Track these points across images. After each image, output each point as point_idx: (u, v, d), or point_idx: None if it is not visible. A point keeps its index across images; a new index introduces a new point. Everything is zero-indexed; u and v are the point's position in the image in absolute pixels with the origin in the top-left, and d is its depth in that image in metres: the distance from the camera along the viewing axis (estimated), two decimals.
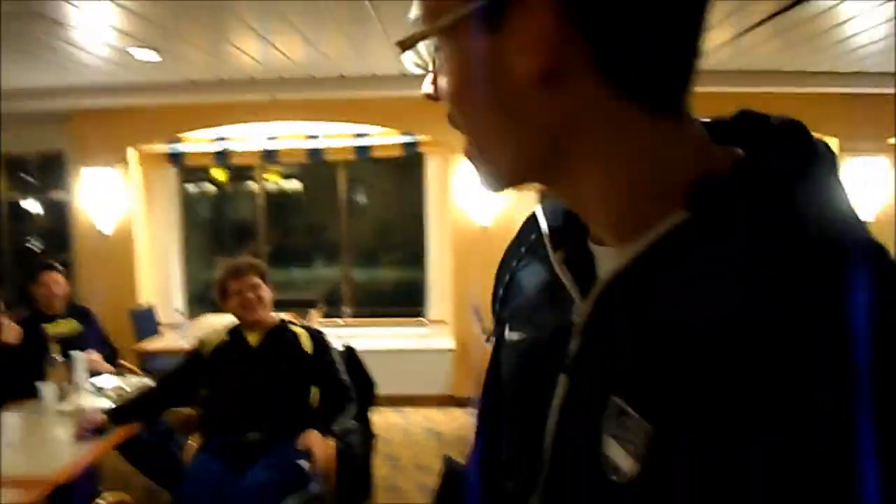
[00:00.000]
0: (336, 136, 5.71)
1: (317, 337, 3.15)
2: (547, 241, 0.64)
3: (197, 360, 3.09)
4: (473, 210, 5.57)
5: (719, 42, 4.18)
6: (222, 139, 5.68)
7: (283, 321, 3.17)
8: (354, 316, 6.09)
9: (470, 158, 0.58)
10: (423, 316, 6.06)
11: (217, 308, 5.64)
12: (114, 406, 2.94)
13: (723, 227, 0.45)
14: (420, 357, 5.72)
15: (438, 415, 5.50)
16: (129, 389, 3.28)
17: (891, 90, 4.88)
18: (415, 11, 0.55)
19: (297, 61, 4.55)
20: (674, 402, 0.44)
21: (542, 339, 0.61)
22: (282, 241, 6.52)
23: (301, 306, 5.40)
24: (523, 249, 0.71)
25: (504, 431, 0.69)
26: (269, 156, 5.71)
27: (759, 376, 0.40)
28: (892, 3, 3.48)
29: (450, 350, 5.73)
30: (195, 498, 2.69)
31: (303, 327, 3.20)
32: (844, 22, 3.82)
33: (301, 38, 3.99)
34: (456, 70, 0.53)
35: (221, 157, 5.69)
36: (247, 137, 5.70)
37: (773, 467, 0.39)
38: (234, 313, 3.07)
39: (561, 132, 0.51)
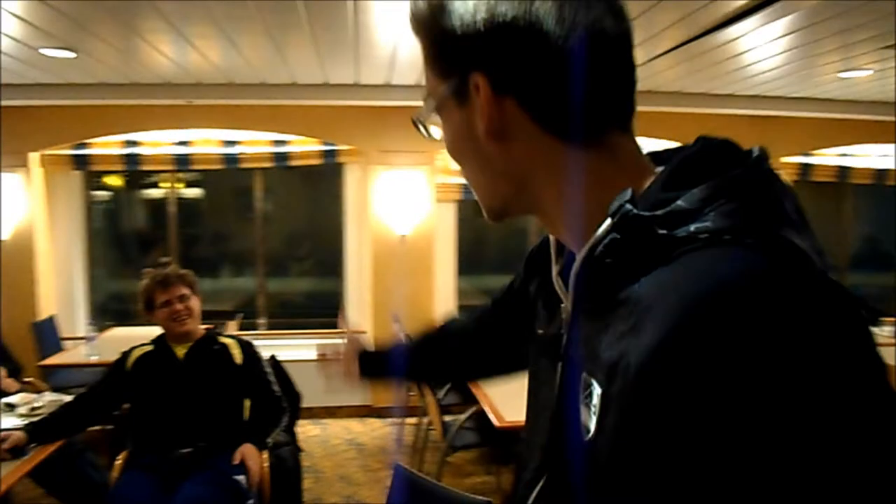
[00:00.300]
0: (253, 143, 5.60)
1: (247, 348, 3.10)
2: (553, 257, 0.77)
3: (119, 373, 2.96)
4: (392, 220, 5.60)
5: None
6: (132, 143, 5.45)
7: (210, 332, 3.09)
8: (270, 328, 5.97)
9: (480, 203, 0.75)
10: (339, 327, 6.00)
11: (126, 320, 5.44)
12: (32, 423, 2.78)
13: (627, 237, 0.58)
14: (339, 367, 5.67)
15: (358, 426, 5.47)
16: (41, 406, 3.10)
17: (787, 112, 5.31)
18: (423, 97, 0.73)
19: (217, 65, 4.45)
20: (613, 369, 0.55)
21: (551, 338, 0.74)
22: (186, 251, 6.31)
23: (213, 318, 5.25)
24: (543, 263, 0.82)
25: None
26: (183, 161, 5.53)
27: (657, 334, 0.51)
28: (787, 37, 3.79)
29: None
30: None
31: (232, 338, 3.14)
32: (744, 52, 4.13)
33: (226, 41, 3.90)
34: (447, 134, 0.72)
35: (131, 161, 5.46)
36: (159, 142, 5.50)
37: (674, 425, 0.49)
38: (162, 325, 2.97)
39: (522, 174, 0.67)
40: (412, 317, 5.30)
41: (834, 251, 6.42)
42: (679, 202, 0.57)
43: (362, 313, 5.88)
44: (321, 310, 6.40)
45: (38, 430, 2.73)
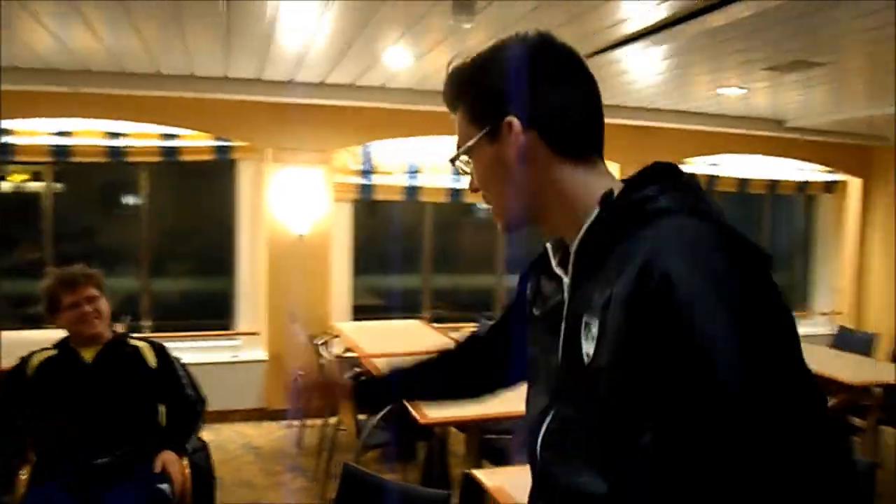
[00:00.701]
0: (140, 136, 5.31)
1: (160, 350, 2.97)
2: (551, 255, 1.04)
3: (18, 380, 2.74)
4: (289, 218, 5.50)
5: None
6: (4, 131, 5.01)
7: (119, 335, 2.94)
8: (155, 329, 5.67)
9: (495, 217, 1.03)
10: (230, 328, 5.83)
11: (13, 323, 4.97)
12: None
13: (612, 215, 0.90)
14: (230, 370, 5.50)
15: (251, 429, 5.33)
16: None
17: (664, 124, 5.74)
18: (455, 146, 1.02)
19: (108, 50, 4.18)
20: (606, 302, 0.83)
21: (552, 309, 0.99)
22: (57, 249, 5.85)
23: None
24: (542, 264, 1.09)
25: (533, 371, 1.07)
26: (61, 153, 5.15)
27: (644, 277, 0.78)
28: (667, 60, 4.14)
29: (262, 361, 5.59)
30: None
31: (143, 340, 2.99)
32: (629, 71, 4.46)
33: (123, 21, 3.64)
34: (481, 167, 1.00)
35: (2, 151, 5.02)
36: (34, 131, 5.09)
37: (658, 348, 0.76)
38: (68, 328, 2.79)
39: (538, 188, 0.96)
40: (309, 316, 5.25)
41: None
42: (645, 191, 0.88)
43: (256, 313, 5.73)
44: (206, 310, 6.17)
45: None
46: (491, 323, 1.38)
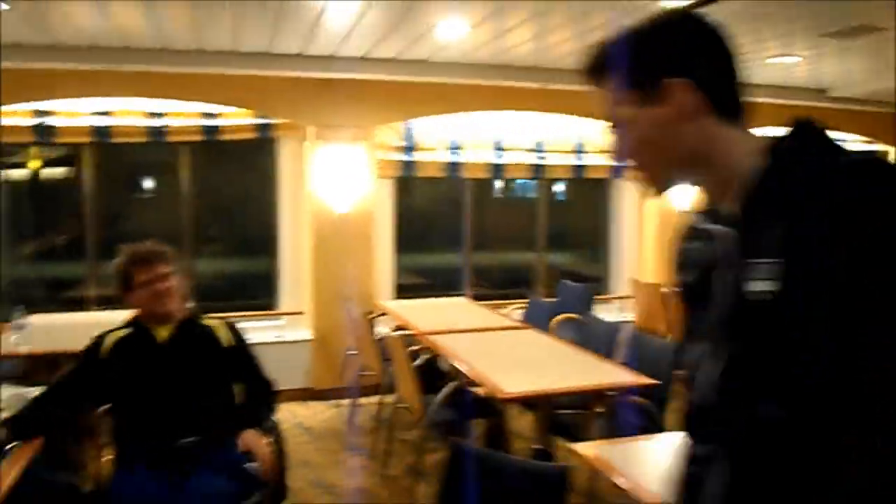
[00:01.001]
0: (180, 115, 5.23)
1: (234, 329, 2.91)
2: (698, 223, 1.12)
3: (94, 360, 2.69)
4: (332, 197, 5.42)
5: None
6: (43, 112, 4.95)
7: (191, 312, 2.88)
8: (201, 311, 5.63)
9: (647, 181, 1.09)
10: (273, 308, 5.78)
11: (35, 307, 4.94)
12: (10, 417, 2.47)
13: (785, 163, 0.96)
14: (275, 351, 5.43)
15: (302, 409, 5.30)
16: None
17: None
18: (606, 112, 1.08)
19: (152, 27, 4.09)
20: (791, 246, 0.88)
21: (707, 264, 1.07)
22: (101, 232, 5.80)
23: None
24: (689, 241, 1.18)
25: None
26: (102, 133, 5.08)
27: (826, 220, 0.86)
28: None
29: (307, 341, 5.55)
30: None
31: (216, 319, 2.94)
32: None
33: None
34: (641, 131, 1.04)
35: (42, 132, 4.96)
36: (75, 112, 5.02)
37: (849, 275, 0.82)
38: (142, 307, 2.73)
39: (698, 147, 1.02)
40: (355, 295, 5.19)
41: None
42: (806, 140, 0.98)
43: (300, 293, 5.68)
44: (249, 290, 6.12)
45: (17, 425, 2.44)
46: None
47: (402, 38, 4.43)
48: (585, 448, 2.32)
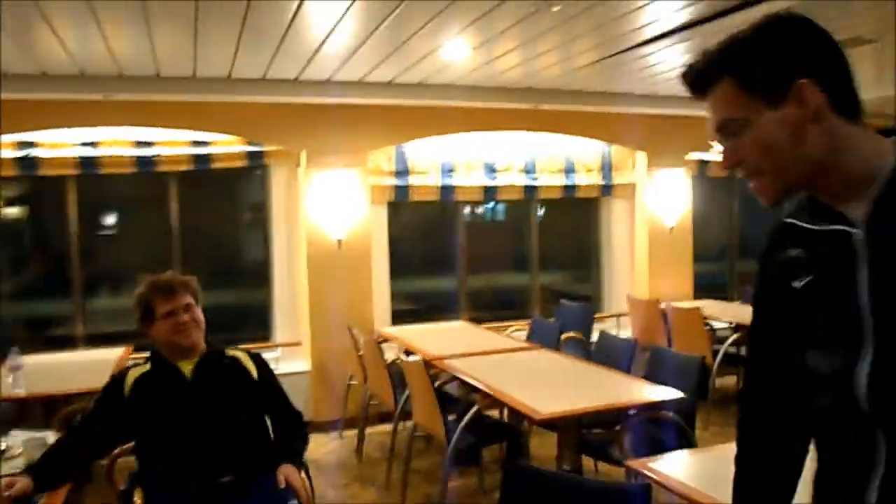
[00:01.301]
0: (170, 144, 5.10)
1: (259, 360, 2.80)
2: (803, 224, 1.12)
3: (116, 399, 2.55)
4: (327, 224, 5.33)
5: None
6: (28, 144, 4.77)
7: (213, 345, 2.75)
8: None
9: (764, 189, 1.07)
10: (269, 339, 5.63)
11: (24, 347, 4.73)
12: (32, 465, 2.31)
13: None
14: None
15: None
16: (15, 448, 2.59)
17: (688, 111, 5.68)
18: (718, 118, 1.07)
19: (142, 55, 3.98)
20: None
21: (830, 265, 1.06)
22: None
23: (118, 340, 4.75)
24: (782, 242, 1.17)
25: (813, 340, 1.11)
26: (88, 165, 4.92)
27: None
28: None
29: (305, 373, 5.40)
30: None
31: (241, 350, 2.82)
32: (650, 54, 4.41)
33: (163, 25, 3.48)
34: (759, 136, 1.03)
35: (27, 165, 4.79)
36: (61, 143, 4.86)
37: None
38: (163, 339, 2.59)
39: (825, 146, 1.01)
40: (353, 322, 5.08)
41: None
42: None
43: (296, 323, 5.55)
44: (243, 323, 5.94)
45: (41, 474, 2.28)
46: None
47: (402, 61, 4.40)
48: (647, 464, 2.26)
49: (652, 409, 3.24)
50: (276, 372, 5.28)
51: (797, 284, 1.12)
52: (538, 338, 5.06)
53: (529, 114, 5.65)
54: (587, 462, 3.71)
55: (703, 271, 6.94)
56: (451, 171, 5.83)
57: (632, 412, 3.27)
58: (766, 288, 1.22)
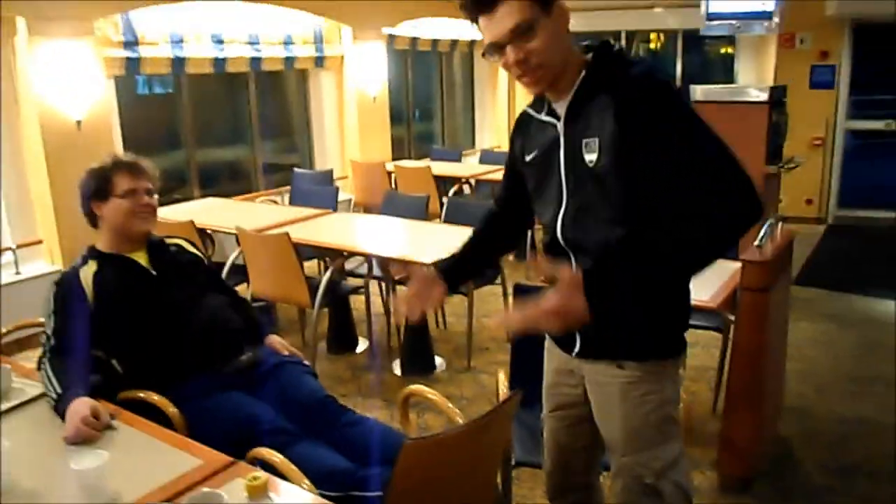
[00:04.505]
0: None
1: (195, 245, 2.75)
2: (535, 114, 1.56)
3: (78, 305, 2.31)
4: (62, 103, 4.68)
5: None
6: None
7: (153, 234, 2.54)
8: None
9: (537, 82, 1.41)
10: None
11: None
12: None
13: (599, 72, 1.43)
14: (17, 291, 4.63)
15: None
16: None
17: None
18: (513, 23, 1.33)
19: None
20: (602, 121, 1.38)
21: (546, 146, 1.52)
22: None
23: None
24: (524, 123, 1.63)
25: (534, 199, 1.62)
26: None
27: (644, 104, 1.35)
28: None
29: (52, 273, 4.85)
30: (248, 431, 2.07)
31: (174, 236, 2.71)
32: None
33: None
34: (545, 39, 1.33)
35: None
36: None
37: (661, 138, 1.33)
38: (116, 221, 2.38)
39: (568, 54, 1.41)
40: None
41: None
42: (610, 54, 1.43)
43: (35, 220, 4.86)
44: None
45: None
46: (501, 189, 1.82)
47: None
48: None
49: None
50: (19, 278, 4.76)
51: (528, 158, 1.58)
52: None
53: None
54: None
55: (393, 135, 7.81)
56: (180, 41, 5.49)
57: None
58: (512, 158, 1.70)
